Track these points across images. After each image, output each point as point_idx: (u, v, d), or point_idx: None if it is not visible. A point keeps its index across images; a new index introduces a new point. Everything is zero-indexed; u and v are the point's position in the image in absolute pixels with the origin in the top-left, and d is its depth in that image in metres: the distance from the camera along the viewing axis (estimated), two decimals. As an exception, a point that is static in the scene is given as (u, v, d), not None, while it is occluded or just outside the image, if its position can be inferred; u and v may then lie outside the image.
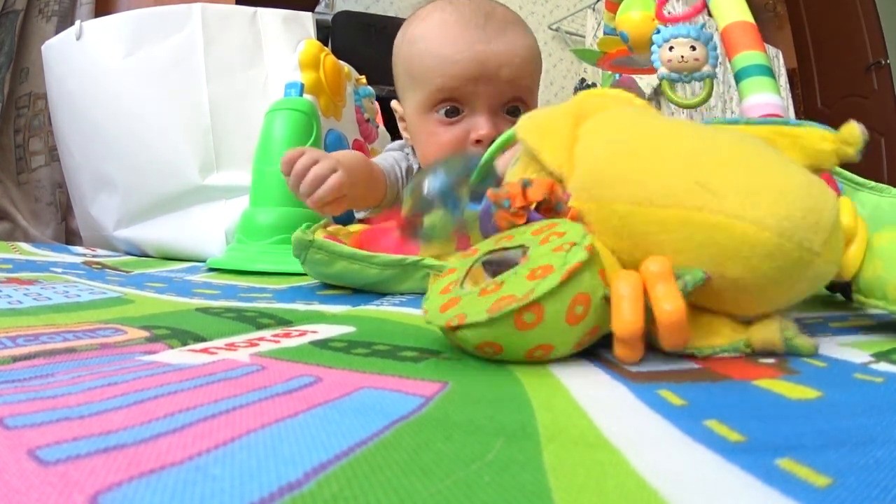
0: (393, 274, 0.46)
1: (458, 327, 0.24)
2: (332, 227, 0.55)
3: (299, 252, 0.47)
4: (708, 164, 0.26)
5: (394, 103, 0.75)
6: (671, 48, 0.64)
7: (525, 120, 0.36)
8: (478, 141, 0.63)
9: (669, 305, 0.23)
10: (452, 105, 0.64)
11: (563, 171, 0.32)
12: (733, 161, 0.25)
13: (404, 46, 0.68)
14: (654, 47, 0.66)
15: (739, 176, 0.25)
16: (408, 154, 0.75)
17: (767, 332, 0.25)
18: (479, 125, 0.63)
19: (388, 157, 0.74)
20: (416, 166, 0.74)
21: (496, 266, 0.29)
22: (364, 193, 0.64)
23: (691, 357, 0.25)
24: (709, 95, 0.69)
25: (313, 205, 0.54)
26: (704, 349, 0.25)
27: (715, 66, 0.65)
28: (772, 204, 0.23)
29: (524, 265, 0.25)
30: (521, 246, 0.28)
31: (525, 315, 0.23)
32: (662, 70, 0.64)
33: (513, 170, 0.37)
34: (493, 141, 0.62)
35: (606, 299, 0.24)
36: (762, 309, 0.26)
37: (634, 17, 0.69)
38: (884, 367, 0.24)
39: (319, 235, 0.48)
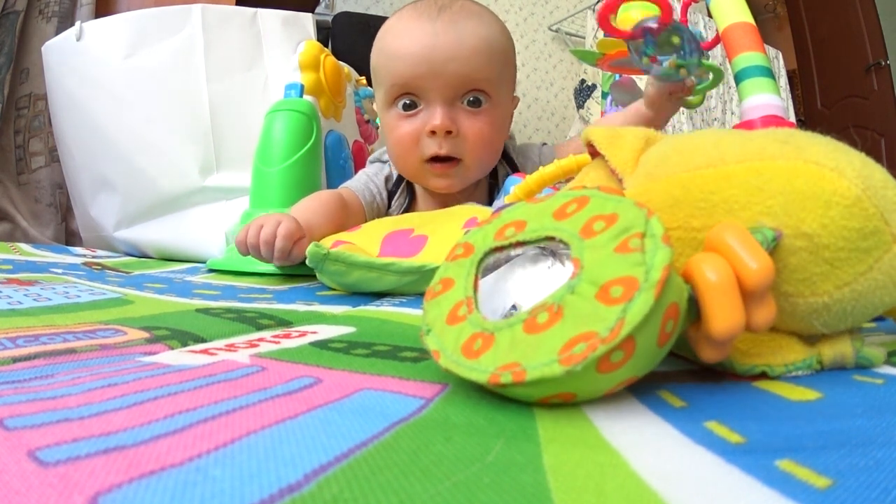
0: (412, 280, 0.47)
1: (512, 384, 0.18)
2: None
3: (315, 264, 0.47)
4: (787, 132, 0.25)
5: (373, 104, 0.75)
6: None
7: (595, 126, 0.35)
8: (432, 132, 0.64)
9: (755, 263, 0.19)
10: (410, 99, 0.65)
11: (627, 170, 0.30)
12: (813, 136, 0.24)
13: (374, 45, 0.69)
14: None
15: (821, 142, 0.23)
16: (388, 161, 0.75)
17: (840, 345, 0.23)
18: (434, 117, 0.63)
19: (361, 175, 0.75)
20: (395, 173, 0.74)
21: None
22: (332, 222, 0.63)
23: (760, 376, 0.23)
24: (701, 99, 0.70)
25: (280, 260, 0.55)
26: (777, 367, 0.23)
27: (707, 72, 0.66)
28: (853, 163, 0.22)
29: (580, 277, 0.19)
30: (546, 239, 0.22)
31: (612, 355, 0.17)
32: (657, 69, 0.64)
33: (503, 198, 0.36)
34: (447, 132, 0.63)
35: (691, 299, 0.20)
36: (831, 296, 0.22)
37: (635, 17, 0.69)
38: (884, 368, 0.24)
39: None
